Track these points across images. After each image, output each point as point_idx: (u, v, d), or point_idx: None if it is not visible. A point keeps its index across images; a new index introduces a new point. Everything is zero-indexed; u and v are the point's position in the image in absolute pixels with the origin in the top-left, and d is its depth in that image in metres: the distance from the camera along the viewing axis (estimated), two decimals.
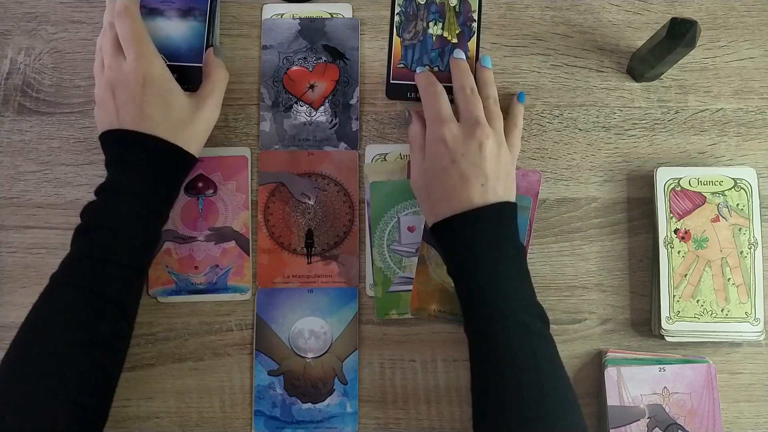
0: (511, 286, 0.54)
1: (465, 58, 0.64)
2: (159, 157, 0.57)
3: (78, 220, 0.64)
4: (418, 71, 0.64)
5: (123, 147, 0.57)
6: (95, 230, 0.55)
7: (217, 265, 0.64)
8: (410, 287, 0.63)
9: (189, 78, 0.63)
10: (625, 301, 0.64)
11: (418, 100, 0.66)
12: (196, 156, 0.60)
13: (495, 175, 0.56)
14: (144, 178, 0.56)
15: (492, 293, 0.53)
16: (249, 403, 0.63)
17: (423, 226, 0.63)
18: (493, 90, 0.62)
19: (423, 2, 0.67)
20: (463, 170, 0.56)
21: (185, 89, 0.63)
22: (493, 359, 0.52)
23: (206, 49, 0.63)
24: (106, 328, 0.53)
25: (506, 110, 0.63)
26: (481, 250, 0.54)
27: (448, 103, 0.60)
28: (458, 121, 0.59)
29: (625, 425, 0.59)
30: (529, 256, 0.63)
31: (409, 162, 0.64)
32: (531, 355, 0.52)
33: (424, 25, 0.67)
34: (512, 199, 0.58)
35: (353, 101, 0.66)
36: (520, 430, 0.50)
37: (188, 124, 0.58)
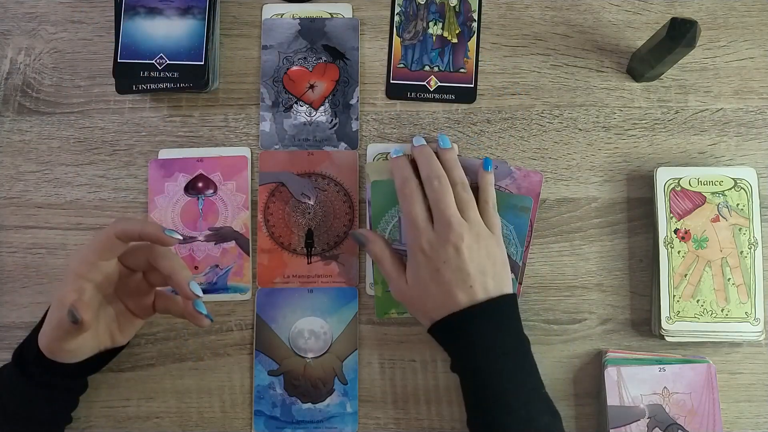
0: (514, 382, 0.53)
1: (425, 143, 0.60)
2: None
3: (78, 220, 0.65)
4: (393, 155, 0.60)
5: None
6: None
7: (217, 265, 0.64)
8: None
9: (189, 77, 0.63)
10: (625, 301, 0.64)
11: (418, 99, 0.66)
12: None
13: (481, 272, 0.54)
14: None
15: (494, 392, 0.52)
16: (249, 403, 0.63)
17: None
18: (459, 172, 0.58)
19: (423, 2, 0.67)
20: (449, 278, 0.54)
21: (186, 88, 0.63)
22: None
23: (206, 46, 0.63)
24: None
25: (476, 185, 0.59)
26: (480, 350, 0.53)
27: (422, 204, 0.57)
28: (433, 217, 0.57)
29: (625, 425, 0.59)
30: (529, 256, 0.63)
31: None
32: None
33: (424, 24, 0.67)
34: (506, 289, 0.56)
35: (353, 101, 0.66)
36: None
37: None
